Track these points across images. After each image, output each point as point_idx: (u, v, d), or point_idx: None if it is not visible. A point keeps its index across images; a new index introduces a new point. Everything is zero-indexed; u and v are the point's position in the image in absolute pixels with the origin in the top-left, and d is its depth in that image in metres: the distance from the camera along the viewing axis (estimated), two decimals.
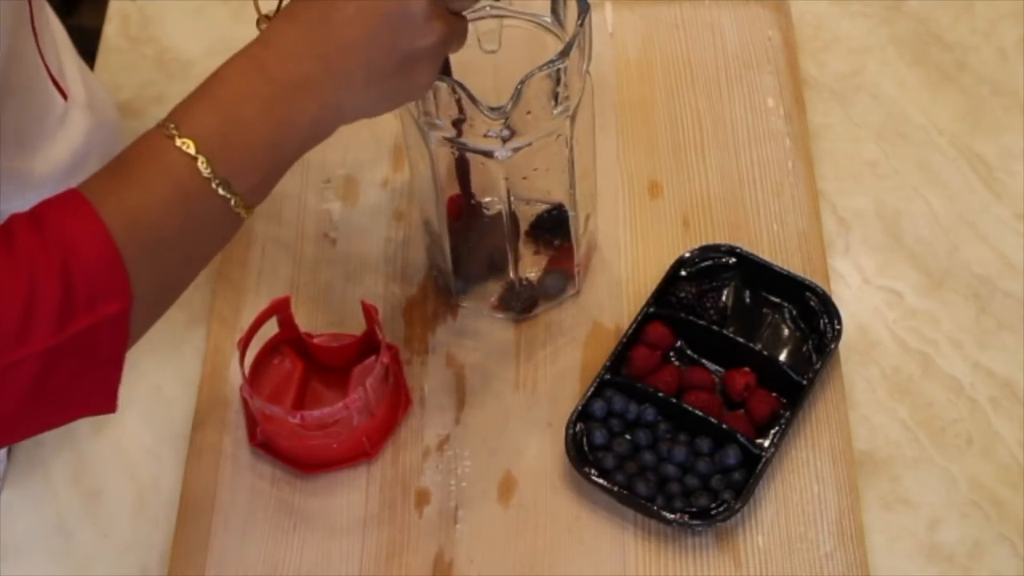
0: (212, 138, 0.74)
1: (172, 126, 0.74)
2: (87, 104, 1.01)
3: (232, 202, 0.74)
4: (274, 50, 0.75)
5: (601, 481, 0.93)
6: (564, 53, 0.85)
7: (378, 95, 0.78)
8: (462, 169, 0.93)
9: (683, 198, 1.08)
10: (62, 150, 0.97)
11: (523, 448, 0.97)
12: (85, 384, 0.74)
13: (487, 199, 0.98)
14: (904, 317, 1.03)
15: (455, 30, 0.79)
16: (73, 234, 0.71)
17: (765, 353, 0.98)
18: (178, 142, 0.73)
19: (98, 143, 1.01)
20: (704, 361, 1.00)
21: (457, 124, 0.87)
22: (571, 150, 0.92)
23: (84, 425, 1.00)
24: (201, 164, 0.73)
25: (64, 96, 0.98)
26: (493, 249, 0.99)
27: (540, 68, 0.84)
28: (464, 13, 0.80)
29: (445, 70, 0.85)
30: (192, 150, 0.73)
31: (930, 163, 1.10)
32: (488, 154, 0.90)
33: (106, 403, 0.76)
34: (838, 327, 0.98)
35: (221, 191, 0.74)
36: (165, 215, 0.73)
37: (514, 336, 1.02)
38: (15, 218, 0.72)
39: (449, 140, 0.89)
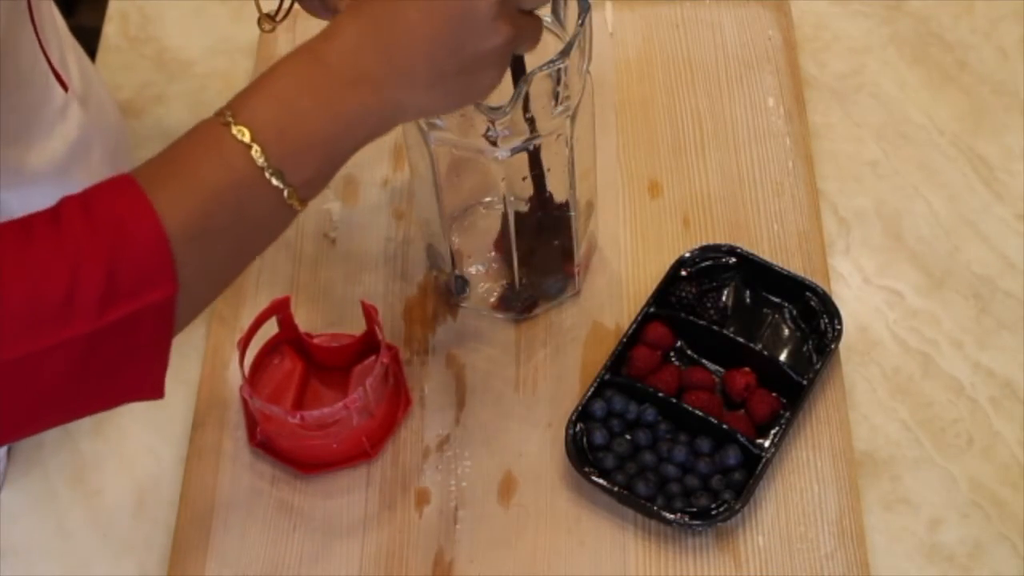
0: (268, 127, 0.73)
1: (229, 114, 0.73)
2: (83, 98, 1.00)
3: (285, 193, 0.74)
4: (336, 44, 0.75)
5: (601, 481, 0.93)
6: (564, 53, 0.85)
7: (440, 95, 0.77)
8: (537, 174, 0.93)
9: (683, 198, 1.08)
10: (59, 143, 0.97)
11: (523, 448, 0.97)
12: (130, 369, 0.74)
13: (487, 199, 0.98)
14: (904, 317, 1.03)
15: (524, 31, 0.77)
16: (122, 219, 0.71)
17: (765, 353, 0.98)
18: (233, 130, 0.73)
19: (95, 137, 1.00)
20: (704, 361, 1.00)
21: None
22: (571, 150, 0.92)
23: (84, 425, 1.01)
24: (255, 153, 0.73)
25: (65, 87, 0.97)
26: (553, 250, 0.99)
27: (540, 68, 0.84)
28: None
29: (519, 69, 0.84)
30: (247, 138, 0.73)
31: (930, 163, 1.10)
32: (488, 154, 0.90)
33: (152, 389, 0.76)
34: (838, 327, 0.98)
35: (275, 181, 0.73)
36: (217, 204, 0.73)
37: (514, 336, 1.02)
38: (66, 201, 0.72)
39: (449, 140, 0.89)
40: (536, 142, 0.89)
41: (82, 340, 0.70)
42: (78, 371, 0.71)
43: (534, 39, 0.79)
